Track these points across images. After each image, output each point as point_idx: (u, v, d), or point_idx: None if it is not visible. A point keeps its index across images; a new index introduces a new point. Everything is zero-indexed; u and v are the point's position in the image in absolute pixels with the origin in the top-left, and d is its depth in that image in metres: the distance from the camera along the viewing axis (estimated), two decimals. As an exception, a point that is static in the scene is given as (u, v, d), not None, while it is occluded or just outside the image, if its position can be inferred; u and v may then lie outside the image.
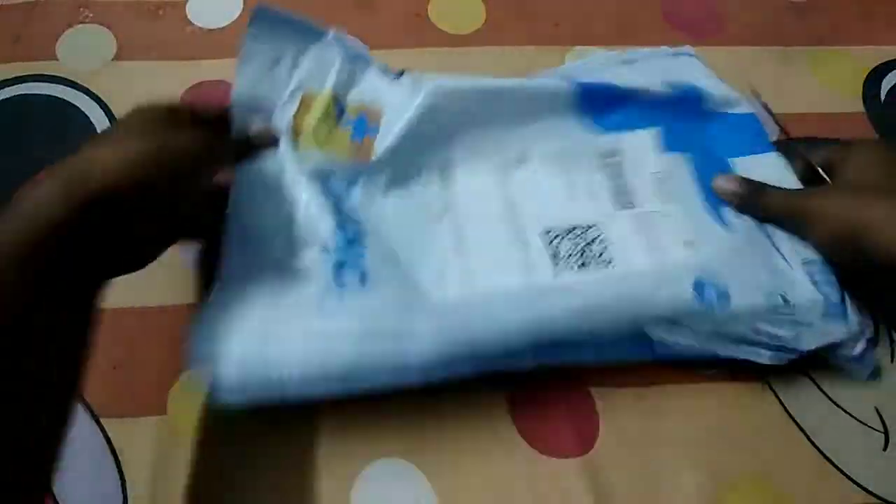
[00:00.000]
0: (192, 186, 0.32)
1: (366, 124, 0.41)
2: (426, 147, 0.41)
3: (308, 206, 0.37)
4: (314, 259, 0.35)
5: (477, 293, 0.36)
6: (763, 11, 0.53)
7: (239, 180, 0.36)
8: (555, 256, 0.38)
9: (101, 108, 0.44)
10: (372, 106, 0.42)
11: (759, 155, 0.40)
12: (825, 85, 0.49)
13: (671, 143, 0.41)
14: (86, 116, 0.44)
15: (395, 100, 0.41)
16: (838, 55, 0.51)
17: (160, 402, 0.35)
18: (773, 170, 0.39)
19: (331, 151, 0.39)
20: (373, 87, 0.42)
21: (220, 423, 0.34)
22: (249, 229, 0.36)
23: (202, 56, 0.47)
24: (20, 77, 0.45)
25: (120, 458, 0.33)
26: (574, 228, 0.39)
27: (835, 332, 0.35)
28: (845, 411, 0.36)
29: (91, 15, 0.49)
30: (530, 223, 0.39)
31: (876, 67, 0.50)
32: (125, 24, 0.48)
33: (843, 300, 0.36)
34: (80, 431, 0.34)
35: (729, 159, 0.41)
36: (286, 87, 0.40)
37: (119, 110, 0.44)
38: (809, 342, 0.35)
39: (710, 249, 0.37)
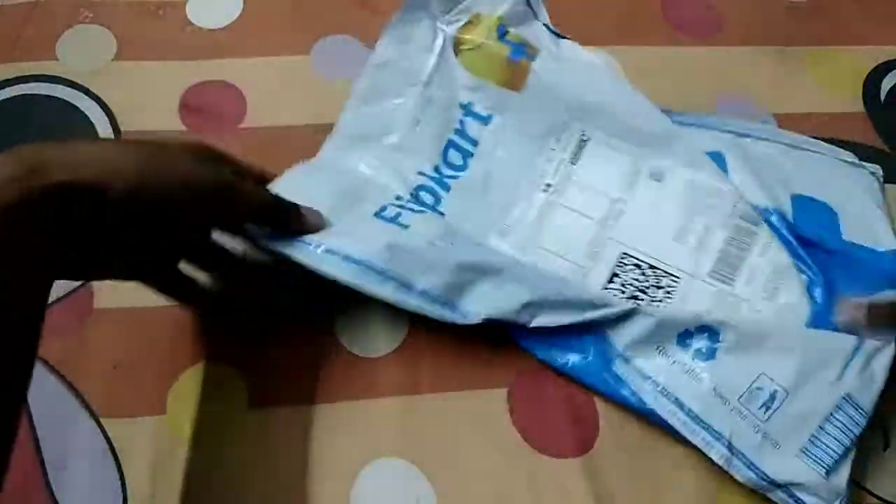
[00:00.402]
0: (191, 220, 0.30)
1: (525, 51, 0.42)
2: (575, 105, 0.41)
3: (431, 114, 0.41)
4: (403, 169, 0.39)
5: (525, 262, 0.38)
6: (763, 11, 0.53)
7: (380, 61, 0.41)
8: (614, 276, 0.38)
9: (101, 108, 0.44)
10: (532, 43, 0.43)
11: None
12: (825, 85, 0.49)
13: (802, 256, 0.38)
14: (86, 116, 0.44)
15: (558, 49, 0.43)
16: (838, 55, 0.51)
17: (160, 402, 0.35)
18: None
19: (486, 69, 0.41)
20: (536, 34, 0.44)
21: (220, 423, 0.35)
22: (369, 111, 0.40)
23: (202, 56, 0.47)
24: (20, 77, 0.45)
25: (120, 458, 0.33)
26: (654, 267, 0.38)
27: (798, 473, 0.32)
28: (845, 411, 0.36)
29: (91, 15, 0.49)
30: (619, 238, 0.39)
31: (876, 67, 0.50)
32: (125, 24, 0.48)
33: (842, 455, 0.32)
34: (80, 431, 0.34)
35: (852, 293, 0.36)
36: (459, 3, 0.42)
37: (119, 110, 0.44)
38: (771, 467, 0.32)
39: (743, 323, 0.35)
